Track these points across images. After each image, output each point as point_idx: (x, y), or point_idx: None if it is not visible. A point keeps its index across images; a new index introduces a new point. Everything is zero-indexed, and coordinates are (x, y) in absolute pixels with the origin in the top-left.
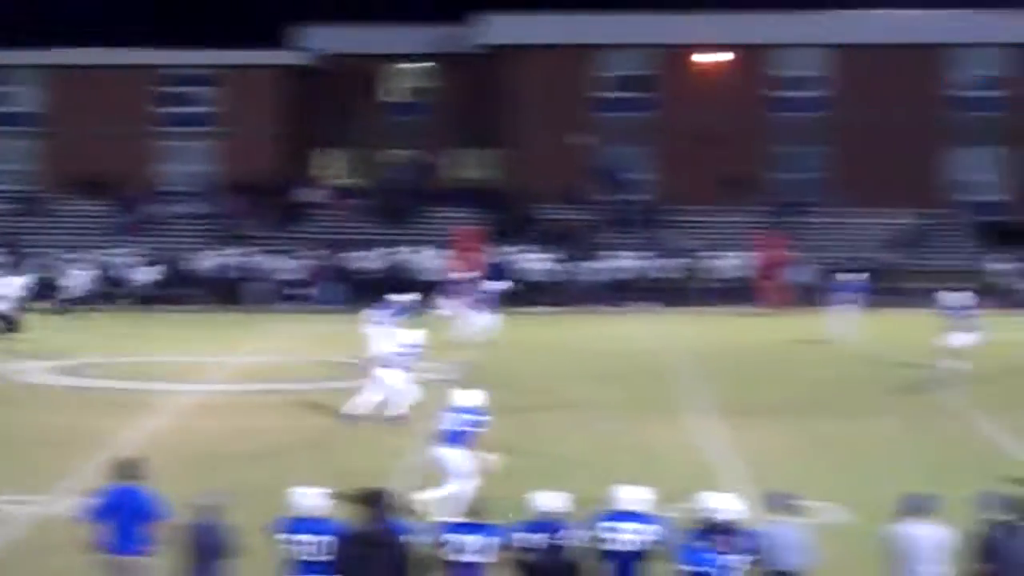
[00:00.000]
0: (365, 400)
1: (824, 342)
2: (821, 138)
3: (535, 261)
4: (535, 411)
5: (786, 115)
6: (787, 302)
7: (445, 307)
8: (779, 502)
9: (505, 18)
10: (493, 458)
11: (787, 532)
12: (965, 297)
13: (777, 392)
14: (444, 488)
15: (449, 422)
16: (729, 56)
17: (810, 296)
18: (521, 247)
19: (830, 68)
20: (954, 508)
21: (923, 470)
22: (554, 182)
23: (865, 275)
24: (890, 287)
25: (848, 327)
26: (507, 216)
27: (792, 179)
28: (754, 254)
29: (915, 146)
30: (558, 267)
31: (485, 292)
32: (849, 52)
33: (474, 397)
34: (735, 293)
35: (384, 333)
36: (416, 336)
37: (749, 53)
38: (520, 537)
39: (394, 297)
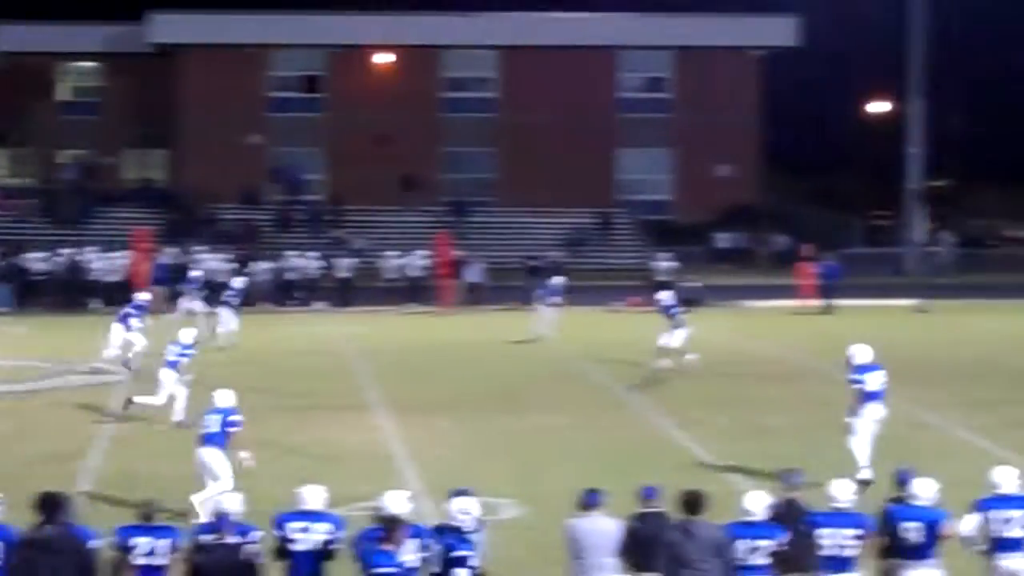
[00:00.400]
0: (151, 401)
1: (520, 341)
2: (492, 139)
3: (208, 261)
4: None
5: (457, 116)
6: (460, 301)
7: (185, 308)
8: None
9: (175, 17)
10: (246, 455)
11: None
12: (673, 295)
13: (454, 390)
14: (211, 489)
15: (211, 424)
16: (398, 57)
17: (481, 295)
18: (194, 247)
19: (500, 70)
20: (628, 501)
21: (599, 464)
22: (227, 182)
23: (564, 276)
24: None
25: (550, 326)
26: (180, 216)
27: (464, 179)
28: (429, 253)
29: (585, 146)
30: (231, 267)
31: (232, 292)
32: (519, 54)
33: (230, 397)
34: (410, 292)
35: (125, 332)
36: (190, 335)
37: (420, 54)
38: (195, 538)
39: (138, 296)
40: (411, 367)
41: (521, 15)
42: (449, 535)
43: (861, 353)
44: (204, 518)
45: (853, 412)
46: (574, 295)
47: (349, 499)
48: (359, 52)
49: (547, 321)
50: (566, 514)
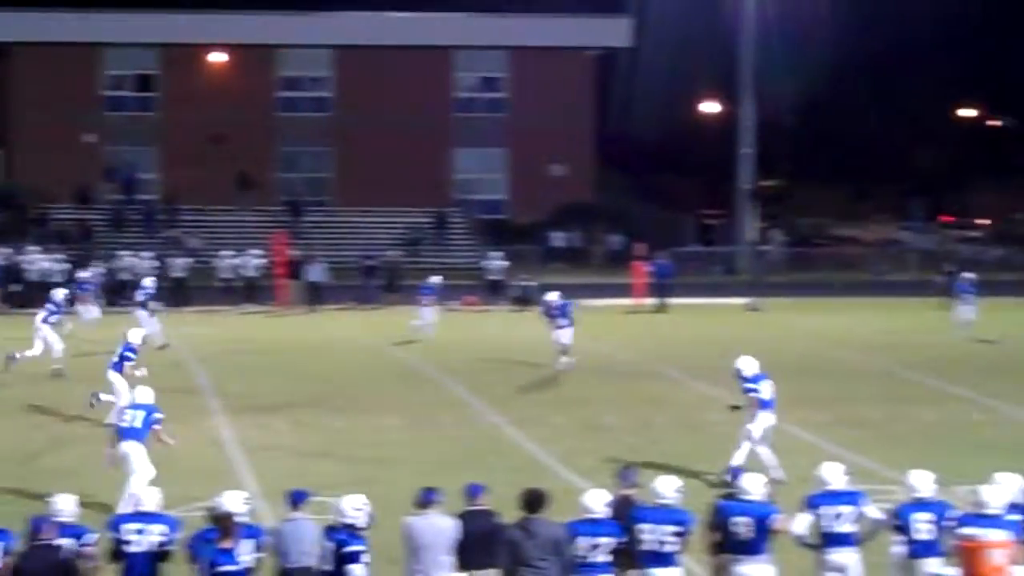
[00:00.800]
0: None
1: (405, 342)
2: (328, 138)
3: (39, 261)
4: (48, 414)
5: (293, 115)
6: (297, 301)
7: (85, 310)
8: (297, 498)
9: (6, 15)
10: (172, 441)
11: (302, 528)
12: (560, 295)
13: (290, 390)
14: (131, 483)
15: (133, 419)
16: (233, 56)
17: (321, 294)
18: (25, 247)
19: (335, 69)
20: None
21: (435, 463)
22: (61, 181)
23: (440, 277)
24: (401, 285)
25: (428, 325)
26: (12, 216)
27: (300, 178)
28: (265, 253)
29: (420, 146)
30: (63, 267)
31: (145, 292)
32: (354, 53)
33: (150, 394)
34: (246, 292)
35: (50, 331)
36: (138, 335)
37: (254, 53)
38: (22, 542)
39: (54, 295)
40: (247, 367)
41: (356, 14)
42: (341, 532)
43: (748, 365)
44: (128, 510)
45: (750, 419)
46: (407, 294)
47: (184, 500)
48: (193, 51)
49: (425, 320)
50: (403, 513)
